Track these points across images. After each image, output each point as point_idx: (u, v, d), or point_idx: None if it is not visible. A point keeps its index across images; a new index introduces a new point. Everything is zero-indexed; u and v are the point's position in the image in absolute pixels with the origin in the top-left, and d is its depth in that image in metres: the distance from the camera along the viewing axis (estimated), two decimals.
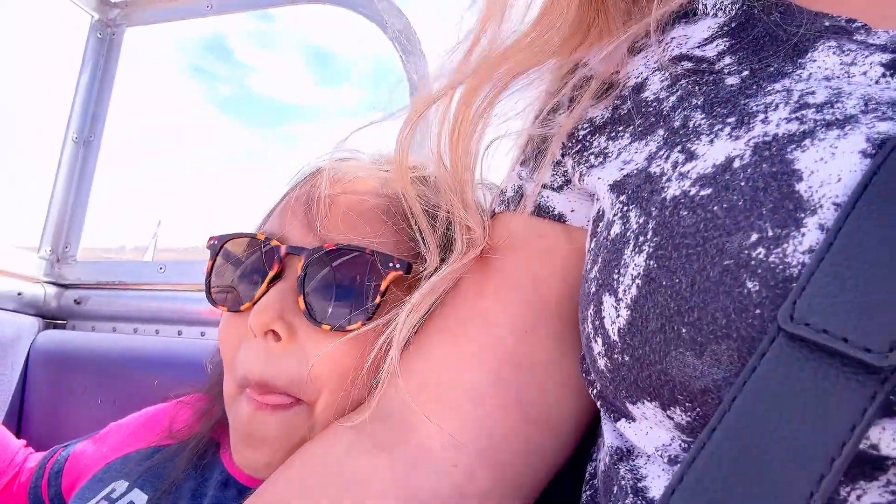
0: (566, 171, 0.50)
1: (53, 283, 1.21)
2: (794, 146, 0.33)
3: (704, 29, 0.48)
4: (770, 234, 0.31)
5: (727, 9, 0.48)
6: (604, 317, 0.38)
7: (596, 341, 0.40)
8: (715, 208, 0.34)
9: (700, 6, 0.50)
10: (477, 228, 0.50)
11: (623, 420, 0.41)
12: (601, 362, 0.39)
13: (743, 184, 0.33)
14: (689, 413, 0.34)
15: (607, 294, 0.38)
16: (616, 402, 0.40)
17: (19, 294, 1.14)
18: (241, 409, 0.54)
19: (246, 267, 0.58)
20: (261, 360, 0.53)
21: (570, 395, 0.48)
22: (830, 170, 0.31)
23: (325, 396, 0.53)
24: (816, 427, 0.26)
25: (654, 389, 0.35)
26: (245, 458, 0.54)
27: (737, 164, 0.35)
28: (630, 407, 0.38)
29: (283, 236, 0.57)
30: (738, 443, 0.27)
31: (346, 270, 0.54)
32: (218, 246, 0.59)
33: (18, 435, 1.03)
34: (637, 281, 0.36)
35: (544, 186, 0.52)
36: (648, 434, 0.39)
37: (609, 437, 0.44)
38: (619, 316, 0.37)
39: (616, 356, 0.37)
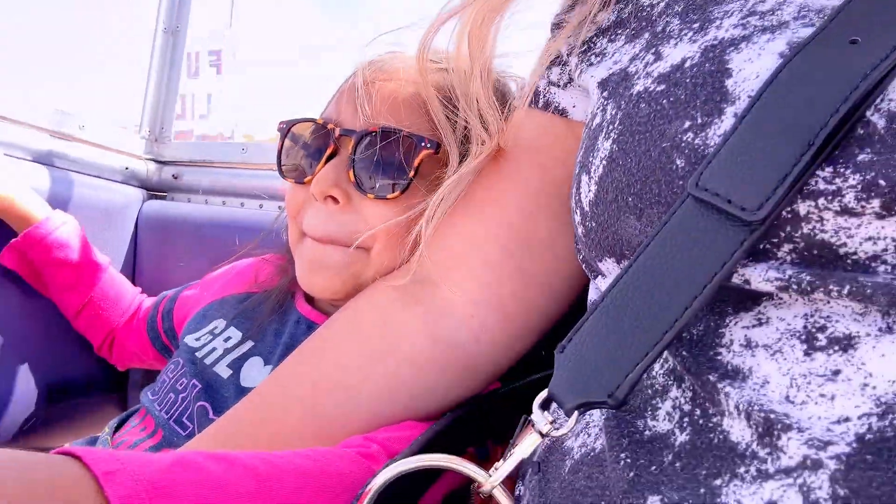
0: (570, 70, 0.57)
1: (153, 160, 1.39)
2: (732, 48, 0.40)
3: None
4: (699, 121, 0.38)
5: None
6: (581, 192, 0.47)
7: (576, 213, 0.49)
8: (663, 101, 0.41)
9: None
10: (493, 123, 0.59)
11: (599, 277, 0.52)
12: (580, 230, 0.49)
13: (688, 80, 0.40)
14: None
15: (584, 173, 0.47)
16: (591, 262, 0.50)
17: (126, 168, 1.32)
18: (306, 247, 0.68)
19: (309, 146, 0.70)
20: (322, 219, 0.66)
21: (565, 264, 0.58)
22: (753, 68, 0.38)
23: (378, 246, 0.65)
24: (697, 262, 0.36)
25: (611, 248, 0.45)
26: (310, 282, 0.68)
27: (687, 64, 0.41)
28: (598, 265, 0.49)
29: (337, 120, 0.68)
30: (642, 274, 0.38)
31: (387, 148, 0.65)
32: (286, 129, 0.71)
33: (133, 284, 1.25)
34: (603, 161, 0.44)
35: (551, 83, 0.59)
36: None
37: (591, 294, 0.55)
38: (590, 190, 0.46)
39: (588, 223, 0.47)
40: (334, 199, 0.65)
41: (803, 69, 0.36)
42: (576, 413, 0.38)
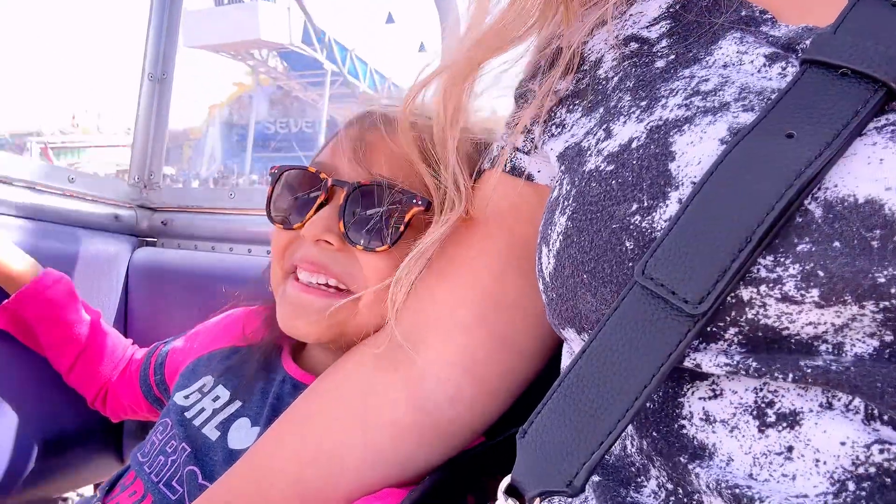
0: (534, 138, 0.58)
1: (143, 207, 1.41)
2: (675, 130, 0.41)
3: (656, 7, 0.53)
4: (645, 204, 0.40)
5: None
6: (542, 263, 0.49)
7: (540, 282, 0.50)
8: (613, 182, 0.42)
9: None
10: (461, 188, 0.60)
11: (565, 343, 0.53)
12: (544, 298, 0.51)
13: (634, 162, 0.42)
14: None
15: (544, 245, 0.48)
16: (557, 328, 0.52)
17: (116, 217, 1.34)
18: (289, 289, 0.68)
19: (300, 193, 0.70)
20: (315, 252, 0.67)
21: (536, 325, 0.59)
22: (695, 153, 0.39)
23: (369, 294, 0.65)
24: (646, 350, 0.38)
25: (570, 319, 0.46)
26: (292, 325, 0.68)
27: (634, 144, 0.42)
28: (562, 332, 0.51)
29: (331, 169, 0.69)
30: (595, 361, 0.40)
31: (378, 202, 0.66)
32: (278, 174, 0.72)
33: (125, 334, 1.26)
34: (560, 236, 0.46)
35: (517, 149, 0.60)
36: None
37: (563, 356, 0.57)
38: (549, 263, 0.47)
39: (549, 293, 0.48)
40: (328, 243, 0.66)
41: (743, 161, 0.37)
42: (538, 500, 0.39)
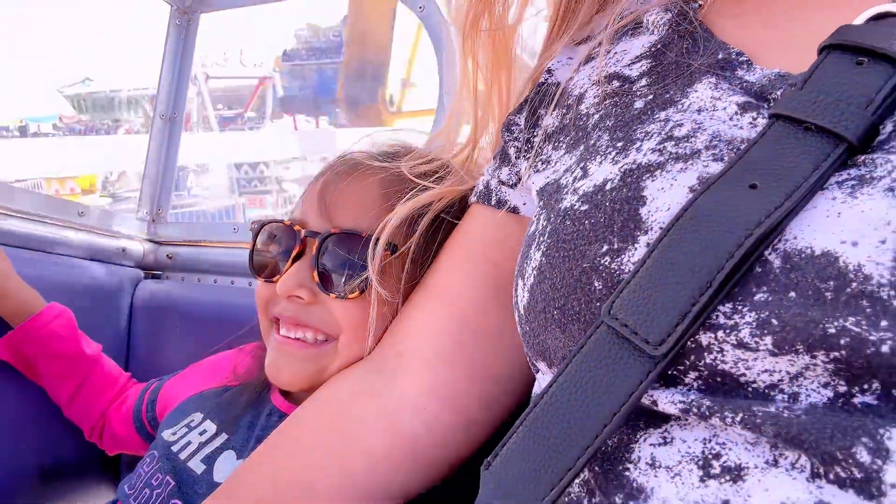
0: (518, 172, 0.60)
1: (150, 241, 1.44)
2: (647, 175, 0.42)
3: (640, 46, 0.54)
4: (615, 246, 0.41)
5: (660, 28, 0.54)
6: (517, 296, 0.50)
7: (515, 314, 0.52)
8: (586, 222, 0.43)
9: (645, 21, 0.56)
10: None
11: (537, 376, 0.54)
12: (519, 330, 0.52)
13: (607, 204, 0.43)
14: None
15: (520, 278, 0.50)
16: (531, 360, 0.53)
17: (123, 250, 1.37)
18: (275, 341, 0.72)
19: (277, 246, 0.73)
20: (291, 308, 0.70)
21: (515, 355, 0.60)
22: (665, 199, 0.40)
23: (344, 337, 0.68)
24: (608, 389, 0.38)
25: (542, 354, 0.48)
26: (276, 375, 0.72)
27: (608, 186, 0.44)
28: (536, 364, 0.51)
29: (302, 221, 0.72)
30: (559, 397, 0.40)
31: (348, 249, 0.68)
32: (257, 229, 0.75)
33: (126, 366, 1.28)
34: (534, 271, 0.47)
35: (502, 183, 0.62)
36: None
37: (535, 388, 0.57)
38: (524, 296, 0.48)
39: (524, 326, 0.50)
40: (300, 298, 0.69)
41: (707, 210, 0.38)
42: None
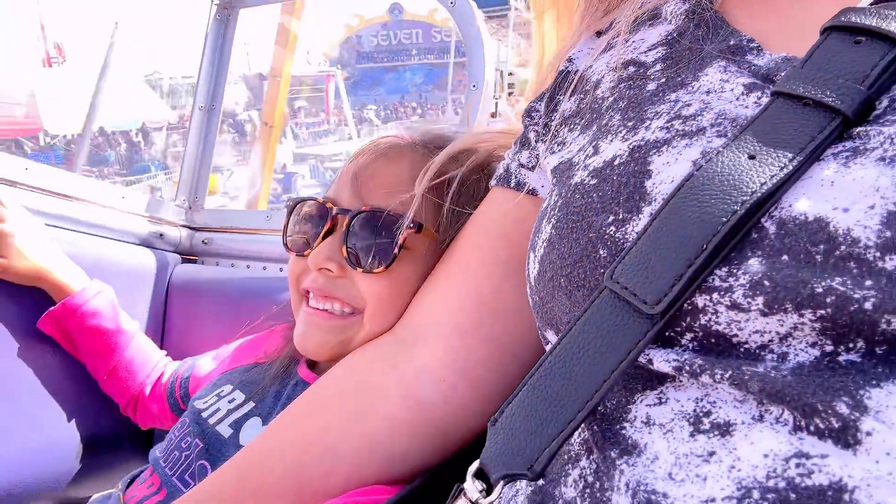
0: (538, 155, 0.62)
1: (187, 227, 1.49)
2: (654, 151, 0.44)
3: (656, 35, 0.56)
4: (621, 216, 0.43)
5: (678, 17, 0.56)
6: (529, 268, 0.52)
7: (527, 286, 0.54)
8: (594, 195, 0.46)
9: (663, 11, 0.58)
10: None
11: (548, 345, 0.56)
12: (530, 302, 0.54)
13: (615, 177, 0.45)
14: None
15: (531, 251, 0.52)
16: (541, 331, 0.55)
17: (161, 235, 1.42)
18: (302, 312, 0.75)
19: (310, 223, 0.77)
20: (321, 279, 0.73)
21: (530, 331, 0.62)
22: (670, 172, 0.42)
23: (369, 310, 0.72)
24: (609, 348, 0.40)
25: (549, 321, 0.50)
26: (303, 345, 0.75)
27: (617, 161, 0.46)
28: (545, 335, 0.54)
29: (335, 200, 0.75)
30: (564, 356, 0.42)
31: (375, 226, 0.71)
32: (292, 206, 0.78)
33: (161, 345, 1.33)
34: (544, 243, 0.49)
35: (521, 166, 0.65)
36: None
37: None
38: (534, 268, 0.51)
39: (533, 296, 0.52)
40: (329, 271, 0.72)
41: (706, 180, 0.40)
42: (501, 482, 0.42)
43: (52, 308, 1.05)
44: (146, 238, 1.39)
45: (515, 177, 0.65)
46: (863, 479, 0.31)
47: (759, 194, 0.38)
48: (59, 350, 1.10)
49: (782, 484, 0.33)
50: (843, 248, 0.34)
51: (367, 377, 0.65)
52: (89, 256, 1.20)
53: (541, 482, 0.44)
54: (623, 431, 0.41)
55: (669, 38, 0.55)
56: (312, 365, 0.83)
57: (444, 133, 0.85)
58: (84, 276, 1.09)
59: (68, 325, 1.06)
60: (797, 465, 0.33)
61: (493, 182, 0.69)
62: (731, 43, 0.50)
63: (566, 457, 0.44)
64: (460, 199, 0.75)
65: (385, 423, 0.61)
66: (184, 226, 1.49)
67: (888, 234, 0.33)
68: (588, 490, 0.40)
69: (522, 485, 0.46)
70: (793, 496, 0.32)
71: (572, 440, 0.45)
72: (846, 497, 0.31)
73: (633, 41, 0.58)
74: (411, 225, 0.70)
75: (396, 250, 0.70)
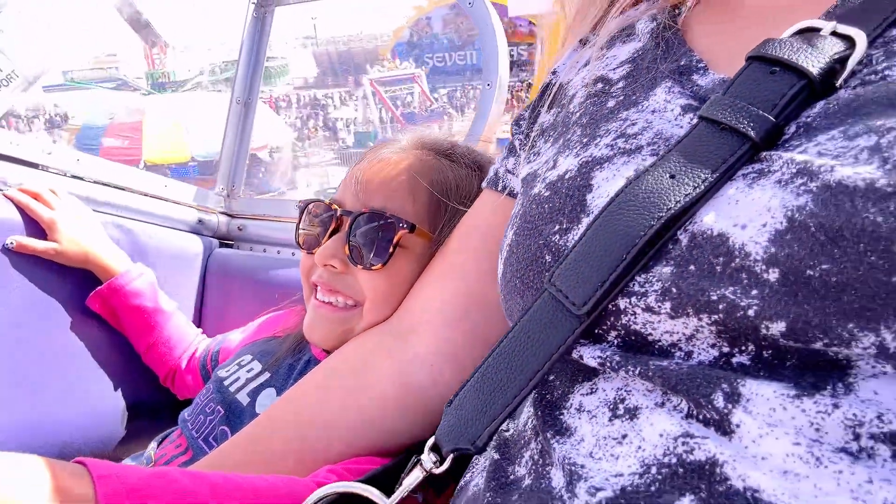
0: (520, 163, 0.69)
1: (224, 214, 1.60)
2: (597, 167, 0.49)
3: (626, 52, 0.61)
4: (564, 226, 0.49)
5: (645, 35, 0.60)
6: (498, 270, 0.59)
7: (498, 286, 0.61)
8: (546, 206, 0.51)
9: (636, 28, 0.62)
10: None
11: None
12: (500, 298, 0.60)
13: (564, 190, 0.51)
14: None
15: (500, 255, 0.58)
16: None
17: (200, 221, 1.53)
18: (312, 304, 0.83)
19: (318, 222, 0.85)
20: (326, 275, 0.81)
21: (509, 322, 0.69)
22: (607, 187, 0.48)
23: (368, 303, 0.79)
24: (544, 343, 0.46)
25: (511, 316, 0.56)
26: (311, 334, 0.84)
27: (567, 175, 0.51)
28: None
29: (340, 201, 0.83)
30: (508, 348, 0.49)
31: (375, 227, 0.78)
32: (303, 207, 0.86)
33: (199, 323, 1.44)
34: (507, 247, 0.55)
35: (508, 171, 0.70)
36: None
37: None
38: (500, 270, 0.57)
39: (500, 294, 0.58)
40: (334, 267, 0.80)
41: (632, 197, 0.45)
42: (451, 455, 0.49)
43: (99, 288, 1.17)
44: (187, 224, 1.50)
45: (502, 181, 0.71)
46: (731, 457, 0.36)
47: (673, 211, 0.43)
48: (105, 326, 1.22)
49: (674, 460, 0.38)
50: (737, 260, 0.39)
51: (365, 361, 0.72)
52: (133, 241, 1.31)
53: (496, 457, 0.51)
54: (561, 417, 0.47)
55: (635, 55, 0.59)
56: None
57: (441, 138, 0.91)
58: (127, 260, 1.20)
59: (113, 304, 1.17)
60: (683, 444, 0.39)
61: (483, 184, 0.75)
62: (682, 63, 0.54)
63: (522, 441, 0.50)
64: (455, 201, 0.81)
65: (378, 402, 0.69)
66: (222, 213, 1.59)
67: (773, 249, 0.38)
68: (534, 467, 0.47)
69: (484, 462, 0.53)
70: (680, 470, 0.38)
71: (526, 426, 0.51)
72: (718, 469, 0.36)
73: (607, 57, 0.63)
74: (404, 226, 0.77)
75: (392, 249, 0.77)
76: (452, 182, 0.83)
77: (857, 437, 0.34)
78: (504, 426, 0.53)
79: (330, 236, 0.81)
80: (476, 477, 0.53)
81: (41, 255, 1.12)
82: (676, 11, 0.62)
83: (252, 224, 1.55)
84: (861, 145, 0.38)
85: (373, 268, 0.78)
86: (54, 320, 1.17)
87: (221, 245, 1.57)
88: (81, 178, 1.29)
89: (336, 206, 0.82)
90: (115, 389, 1.26)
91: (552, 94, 0.67)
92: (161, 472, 0.51)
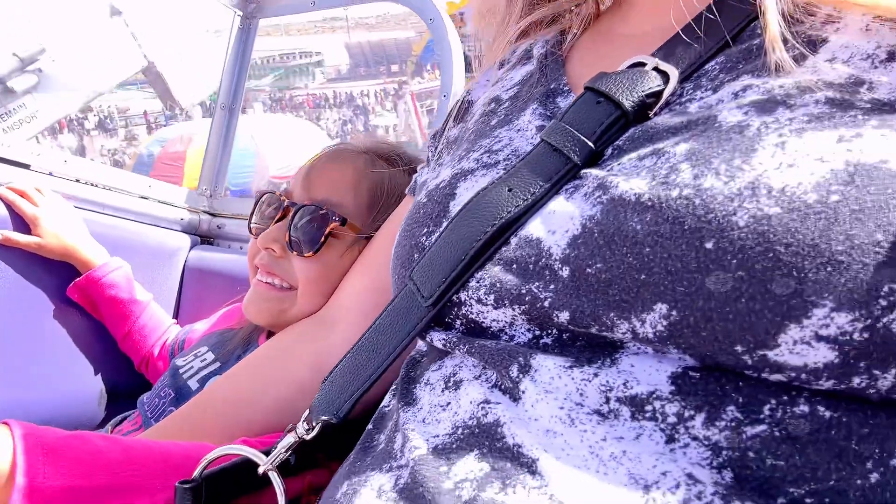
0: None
1: (206, 212, 1.69)
2: (463, 178, 0.57)
3: (520, 75, 0.68)
4: (430, 229, 0.57)
5: (535, 60, 0.68)
6: None
7: None
8: (421, 211, 0.59)
9: (533, 52, 0.70)
10: None
11: None
12: None
13: (436, 198, 0.59)
14: None
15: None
16: None
17: (182, 219, 1.63)
18: (252, 283, 0.92)
19: (268, 211, 0.94)
20: (267, 258, 0.90)
21: None
22: (466, 195, 0.55)
23: (301, 287, 0.88)
24: (400, 328, 0.55)
25: None
26: (247, 310, 0.92)
27: (441, 184, 0.59)
28: None
29: (289, 193, 0.92)
30: (371, 335, 0.57)
31: (312, 218, 0.87)
32: (258, 197, 0.95)
33: (177, 314, 1.54)
34: (395, 246, 0.64)
35: (420, 178, 0.79)
36: None
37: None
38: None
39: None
40: (273, 250, 0.88)
41: (476, 205, 0.53)
42: (320, 424, 0.57)
43: (78, 279, 1.26)
44: (169, 221, 1.59)
45: (418, 188, 0.79)
46: (510, 419, 0.44)
47: (505, 219, 0.51)
48: (85, 315, 1.32)
49: (473, 422, 0.46)
50: (543, 260, 0.47)
51: (289, 348, 0.81)
52: (117, 237, 1.41)
53: (370, 427, 0.59)
54: (414, 390, 0.55)
55: (525, 77, 0.67)
56: (271, 336, 1.00)
57: (386, 143, 1.00)
58: (106, 254, 1.30)
59: (91, 294, 1.27)
60: (481, 408, 0.46)
61: (406, 191, 0.83)
62: (552, 87, 0.62)
63: (389, 414, 0.59)
64: (389, 202, 0.90)
65: (296, 385, 0.77)
66: (204, 211, 1.69)
67: (567, 251, 0.46)
68: (388, 433, 0.55)
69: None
70: (476, 430, 0.46)
71: (390, 405, 0.59)
72: (498, 430, 0.44)
73: (506, 79, 0.71)
74: (336, 219, 0.86)
75: (324, 239, 0.86)
76: (388, 183, 0.92)
77: (607, 401, 0.42)
78: (385, 402, 0.61)
79: (276, 223, 0.90)
80: (357, 446, 0.61)
81: (24, 249, 1.22)
82: (564, 38, 0.70)
83: (231, 223, 1.65)
84: (643, 164, 0.45)
85: (305, 255, 0.87)
86: (37, 309, 1.27)
87: (202, 242, 1.67)
88: (68, 178, 1.39)
89: (284, 198, 0.91)
90: (95, 374, 1.36)
91: (460, 110, 0.75)
92: (78, 434, 0.59)
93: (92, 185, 1.43)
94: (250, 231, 0.96)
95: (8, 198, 1.22)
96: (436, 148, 0.77)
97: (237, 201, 1.67)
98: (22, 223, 1.24)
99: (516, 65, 0.72)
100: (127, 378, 1.37)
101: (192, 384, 0.94)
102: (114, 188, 1.47)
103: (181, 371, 0.98)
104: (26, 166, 1.33)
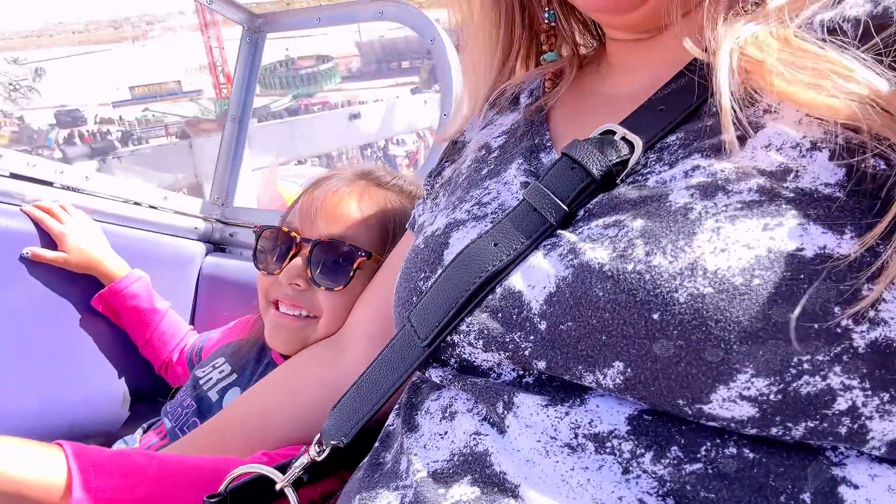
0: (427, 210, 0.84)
1: (218, 221, 1.77)
2: (456, 228, 0.64)
3: (508, 122, 0.74)
4: (426, 274, 0.64)
5: (522, 110, 0.74)
6: None
7: None
8: (419, 256, 0.66)
9: (520, 100, 0.76)
10: None
11: None
12: None
13: (432, 245, 0.65)
14: None
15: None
16: None
17: (196, 228, 1.71)
18: (271, 315, 0.99)
19: (276, 247, 1.01)
20: (290, 292, 0.97)
21: None
22: (458, 246, 0.62)
23: (324, 317, 0.95)
24: (399, 365, 0.63)
25: None
26: (272, 341, 0.99)
27: (436, 232, 0.66)
28: None
29: (296, 228, 0.99)
30: (377, 367, 0.65)
31: (334, 254, 0.94)
32: (259, 233, 1.03)
33: (192, 321, 1.62)
34: (396, 286, 0.71)
35: (421, 216, 0.86)
36: None
37: None
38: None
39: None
40: (298, 285, 0.96)
41: (465, 257, 0.61)
42: (329, 447, 0.65)
43: (101, 291, 1.35)
44: (184, 230, 1.67)
45: (418, 224, 0.86)
46: (496, 449, 0.52)
47: (490, 272, 0.58)
48: (108, 324, 1.41)
49: (467, 450, 0.54)
50: (524, 312, 0.55)
51: (305, 368, 0.89)
52: (134, 247, 1.49)
53: (377, 445, 0.67)
54: (415, 416, 0.63)
55: (512, 126, 0.73)
56: None
57: (378, 168, 1.06)
58: (126, 266, 1.39)
59: (113, 304, 1.36)
60: (473, 438, 0.54)
61: (407, 225, 0.91)
62: (535, 142, 0.68)
63: (395, 434, 0.66)
64: (397, 229, 0.97)
65: (311, 402, 0.86)
66: (216, 220, 1.77)
67: (544, 307, 0.53)
68: (394, 454, 0.63)
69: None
70: (470, 458, 0.54)
71: (395, 425, 0.67)
72: (487, 458, 0.52)
73: (495, 124, 0.77)
74: (363, 254, 0.93)
75: (353, 273, 0.94)
76: (397, 210, 0.99)
77: (576, 436, 0.50)
78: (389, 421, 0.69)
79: (290, 259, 0.97)
80: (366, 461, 0.70)
81: (52, 264, 1.30)
82: (547, 90, 0.76)
83: (242, 231, 1.72)
84: (607, 234, 0.53)
85: (335, 289, 0.94)
86: (64, 319, 1.36)
87: (215, 250, 1.75)
88: (89, 194, 1.47)
89: (295, 234, 0.98)
90: (118, 378, 1.45)
91: (455, 151, 0.82)
92: (120, 452, 0.68)
93: (111, 199, 1.51)
94: (257, 267, 1.02)
95: (35, 215, 1.31)
96: (431, 186, 0.84)
97: (248, 211, 1.75)
98: (48, 239, 1.32)
99: (503, 110, 0.78)
100: (148, 381, 1.46)
101: (212, 395, 1.03)
102: (130, 200, 1.55)
103: (201, 382, 1.06)
104: (50, 184, 1.41)
